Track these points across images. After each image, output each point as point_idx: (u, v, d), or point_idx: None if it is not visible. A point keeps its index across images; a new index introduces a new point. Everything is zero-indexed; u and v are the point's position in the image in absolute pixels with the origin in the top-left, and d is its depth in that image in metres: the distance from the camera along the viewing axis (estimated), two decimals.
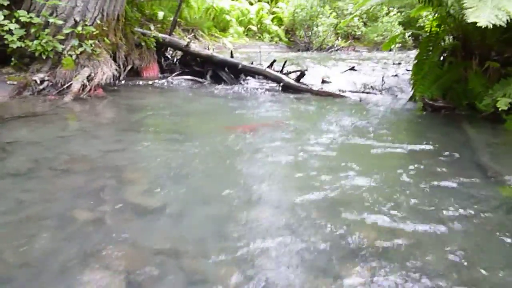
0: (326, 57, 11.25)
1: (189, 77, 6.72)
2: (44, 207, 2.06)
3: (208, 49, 7.59)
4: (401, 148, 3.34)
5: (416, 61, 5.57)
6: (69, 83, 4.99)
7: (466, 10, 3.90)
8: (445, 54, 5.32)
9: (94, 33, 5.26)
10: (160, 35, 7.05)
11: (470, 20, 3.78)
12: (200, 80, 6.64)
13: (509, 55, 4.81)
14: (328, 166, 2.80)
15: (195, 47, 7.08)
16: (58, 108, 4.10)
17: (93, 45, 5.29)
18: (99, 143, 3.08)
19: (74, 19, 5.23)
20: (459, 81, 5.04)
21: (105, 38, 5.51)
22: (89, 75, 5.16)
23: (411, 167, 2.84)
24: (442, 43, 5.31)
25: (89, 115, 3.98)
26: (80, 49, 5.20)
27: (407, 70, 7.92)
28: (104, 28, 5.47)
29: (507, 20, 3.79)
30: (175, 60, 7.43)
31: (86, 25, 5.26)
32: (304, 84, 6.08)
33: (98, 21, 5.39)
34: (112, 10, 5.62)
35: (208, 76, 6.70)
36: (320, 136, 3.54)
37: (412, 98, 5.31)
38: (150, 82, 6.27)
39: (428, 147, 3.32)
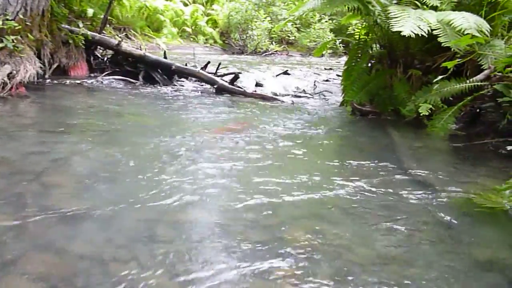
0: (260, 60, 11.38)
1: (120, 77, 6.51)
2: None
3: (141, 49, 7.42)
4: (328, 149, 3.46)
5: (346, 67, 5.78)
6: None
7: (391, 20, 4.11)
8: (372, 61, 5.57)
9: (17, 28, 4.95)
10: (90, 33, 6.79)
11: (395, 29, 3.98)
12: (132, 80, 6.46)
13: (430, 64, 5.11)
14: (257, 172, 2.82)
15: (126, 46, 6.89)
16: None
17: (15, 41, 4.98)
18: (20, 145, 2.89)
19: None
20: (385, 87, 5.28)
21: (29, 34, 5.21)
22: (10, 73, 4.84)
23: (337, 167, 2.94)
24: (370, 51, 5.54)
25: (10, 115, 3.73)
26: (1, 45, 4.87)
27: (338, 75, 8.19)
28: (28, 23, 5.17)
29: (428, 31, 4.04)
30: (105, 59, 7.19)
31: (7, 19, 4.95)
32: (238, 87, 6.10)
33: (21, 16, 5.09)
34: (37, 5, 5.32)
35: (140, 77, 6.53)
36: (249, 140, 3.57)
37: (343, 103, 5.50)
38: (78, 82, 6.01)
39: (354, 149, 3.45)
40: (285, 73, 8.45)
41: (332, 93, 6.38)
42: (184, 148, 3.15)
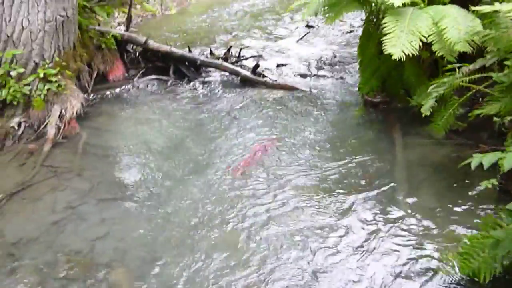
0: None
1: (153, 76, 7.08)
2: None
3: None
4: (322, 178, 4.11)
5: (360, 42, 5.95)
6: (44, 124, 5.47)
7: (384, 38, 4.31)
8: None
9: (55, 72, 5.58)
10: (118, 32, 7.32)
11: (388, 51, 4.22)
12: (164, 78, 7.02)
13: None
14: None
15: (153, 43, 7.32)
16: (42, 169, 4.64)
17: (57, 80, 5.65)
18: (86, 227, 3.72)
19: (34, 61, 5.56)
20: (397, 67, 5.47)
21: (66, 71, 5.84)
22: (60, 112, 5.60)
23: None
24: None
25: (70, 176, 4.50)
26: (47, 87, 5.57)
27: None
28: (63, 63, 5.77)
29: None
30: (137, 54, 7.70)
31: (46, 63, 5.58)
32: (260, 76, 6.52)
33: (57, 58, 5.70)
34: (67, 42, 5.89)
35: (171, 73, 7.05)
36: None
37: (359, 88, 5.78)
38: (117, 91, 6.68)
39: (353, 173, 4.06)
40: (308, 26, 8.65)
41: (350, 63, 6.62)
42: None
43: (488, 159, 2.56)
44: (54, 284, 3.16)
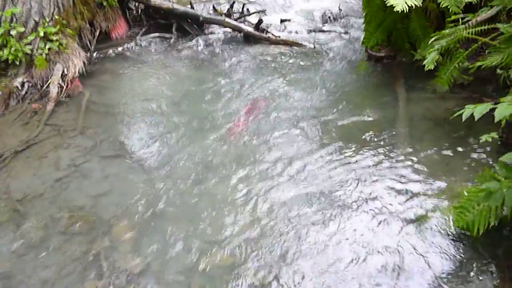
0: None
1: (156, 34, 6.98)
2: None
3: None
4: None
5: None
6: (47, 83, 5.47)
7: None
8: None
9: (55, 31, 5.52)
10: None
11: (390, 3, 4.09)
12: (167, 35, 6.92)
13: None
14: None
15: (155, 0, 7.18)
16: (46, 127, 4.68)
17: (58, 39, 5.61)
18: (89, 184, 3.78)
19: (34, 20, 5.50)
20: (403, 20, 5.33)
21: (67, 29, 5.78)
22: (62, 71, 5.59)
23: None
24: None
25: (74, 134, 4.54)
26: (48, 46, 5.54)
27: None
28: (64, 21, 5.71)
29: None
30: (139, 11, 7.56)
31: (45, 21, 5.52)
32: (263, 32, 6.39)
33: (56, 16, 5.63)
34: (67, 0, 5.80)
35: (174, 30, 6.94)
36: None
37: (363, 43, 5.66)
38: (120, 49, 6.61)
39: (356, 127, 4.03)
40: None
41: (356, 17, 6.46)
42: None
43: (479, 109, 2.51)
44: (58, 238, 3.25)
